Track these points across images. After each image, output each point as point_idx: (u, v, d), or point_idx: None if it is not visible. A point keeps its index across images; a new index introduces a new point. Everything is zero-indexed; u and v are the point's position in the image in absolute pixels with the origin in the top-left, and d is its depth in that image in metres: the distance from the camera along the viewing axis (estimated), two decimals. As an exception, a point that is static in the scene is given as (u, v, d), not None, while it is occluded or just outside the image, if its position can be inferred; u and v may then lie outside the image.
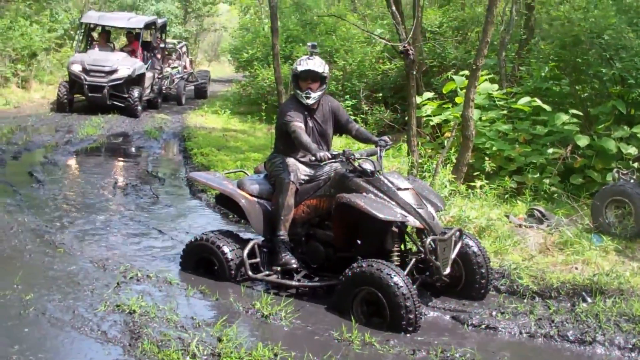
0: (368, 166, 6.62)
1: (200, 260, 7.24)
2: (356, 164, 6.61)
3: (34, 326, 5.55)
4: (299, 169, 7.07)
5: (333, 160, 6.70)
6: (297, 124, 6.87)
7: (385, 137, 7.13)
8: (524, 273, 7.34)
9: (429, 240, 6.33)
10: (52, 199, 10.35)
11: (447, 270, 6.53)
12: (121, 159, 15.01)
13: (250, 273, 6.88)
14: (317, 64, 7.03)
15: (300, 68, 7.01)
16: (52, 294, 6.19)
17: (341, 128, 7.44)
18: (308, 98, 7.05)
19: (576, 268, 7.58)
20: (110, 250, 8.01)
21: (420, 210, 6.44)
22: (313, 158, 6.67)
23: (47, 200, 10.29)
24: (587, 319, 6.22)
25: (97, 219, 9.44)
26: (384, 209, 6.24)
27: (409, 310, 5.88)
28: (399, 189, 6.50)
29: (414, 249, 6.88)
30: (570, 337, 6.04)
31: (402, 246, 6.81)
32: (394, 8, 11.26)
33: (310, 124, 7.12)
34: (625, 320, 6.20)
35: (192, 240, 7.36)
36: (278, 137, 7.31)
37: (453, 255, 6.64)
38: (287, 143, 7.09)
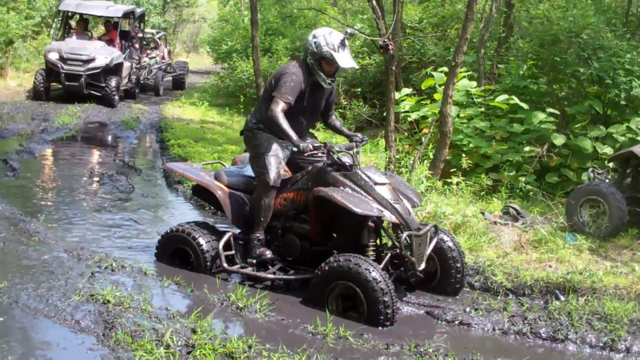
0: (347, 160, 6.61)
1: (175, 251, 7.21)
2: (335, 157, 6.60)
3: (7, 315, 5.50)
4: (281, 164, 6.92)
5: (314, 152, 6.60)
6: (283, 104, 6.60)
7: (360, 135, 7.07)
8: (498, 270, 7.39)
9: (404, 235, 6.33)
10: (27, 188, 10.28)
11: (422, 266, 6.54)
12: (97, 148, 14.91)
13: (225, 265, 6.86)
14: (351, 58, 6.81)
15: (336, 57, 6.65)
16: (26, 282, 6.13)
17: (325, 111, 7.32)
18: (330, 84, 6.89)
19: (550, 266, 7.63)
20: (85, 239, 7.98)
21: (396, 205, 6.44)
22: (295, 149, 6.57)
23: (21, 188, 10.21)
24: (560, 317, 6.28)
25: (72, 208, 9.40)
26: (360, 204, 6.24)
27: (387, 305, 5.89)
28: (376, 183, 6.49)
29: (389, 243, 6.90)
30: (543, 335, 6.09)
31: (378, 241, 6.82)
32: (374, 2, 11.28)
33: (309, 100, 6.88)
34: (598, 318, 6.26)
35: (168, 231, 7.32)
36: (266, 100, 6.90)
37: (428, 251, 6.65)
38: None
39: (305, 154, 6.59)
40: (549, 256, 7.88)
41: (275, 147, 6.87)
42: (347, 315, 6.12)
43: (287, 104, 6.60)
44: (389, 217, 6.40)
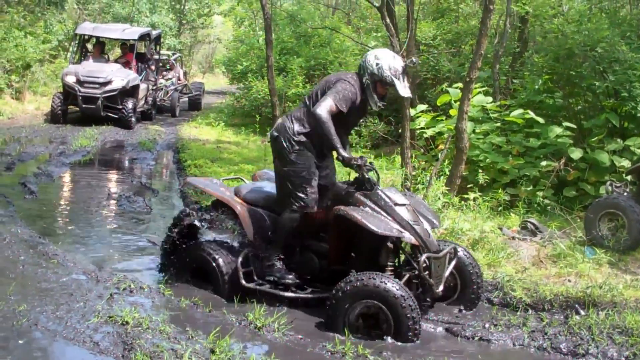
0: (373, 178, 6.59)
1: (194, 270, 7.19)
2: (365, 173, 6.47)
3: (27, 337, 5.52)
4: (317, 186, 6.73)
5: (356, 163, 6.36)
6: (335, 109, 6.34)
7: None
8: (517, 285, 7.35)
9: (423, 257, 6.28)
10: (46, 210, 10.33)
11: (441, 288, 6.49)
12: (115, 170, 14.99)
13: (243, 282, 6.83)
14: (409, 87, 6.72)
15: (398, 85, 6.55)
16: (45, 305, 6.15)
17: None
18: (379, 107, 6.77)
19: (569, 280, 7.59)
20: (103, 261, 7.99)
21: (416, 227, 6.37)
22: (340, 158, 6.36)
23: (40, 211, 10.26)
24: (580, 332, 6.22)
25: (91, 230, 9.43)
26: (380, 224, 6.19)
27: (415, 320, 5.88)
28: (396, 204, 6.42)
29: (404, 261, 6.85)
30: (563, 350, 6.04)
31: (396, 261, 6.77)
32: (388, 20, 11.33)
33: (355, 115, 6.76)
34: (618, 332, 6.20)
35: (187, 249, 7.32)
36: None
37: (447, 273, 6.60)
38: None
39: (352, 162, 6.36)
40: (568, 271, 7.84)
41: (315, 169, 6.69)
42: (369, 333, 6.07)
43: (339, 111, 6.40)
44: (408, 238, 6.34)
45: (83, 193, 11.95)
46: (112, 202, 11.25)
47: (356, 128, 17.34)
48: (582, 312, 6.77)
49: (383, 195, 6.46)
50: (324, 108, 6.32)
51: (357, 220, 6.14)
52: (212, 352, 5.39)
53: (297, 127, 6.68)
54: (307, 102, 6.75)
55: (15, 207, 10.14)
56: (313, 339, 5.99)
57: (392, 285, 5.89)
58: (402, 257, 6.86)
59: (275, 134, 6.83)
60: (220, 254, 7.02)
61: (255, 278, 6.95)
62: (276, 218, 6.96)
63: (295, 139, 6.64)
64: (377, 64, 6.53)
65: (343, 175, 7.49)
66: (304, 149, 6.62)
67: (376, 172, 6.71)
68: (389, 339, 5.95)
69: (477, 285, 6.91)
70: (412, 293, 6.12)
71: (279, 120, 6.99)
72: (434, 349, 6.00)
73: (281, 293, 6.77)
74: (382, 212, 6.37)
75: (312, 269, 6.93)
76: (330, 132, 6.28)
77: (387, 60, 6.54)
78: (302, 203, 6.64)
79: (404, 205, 6.47)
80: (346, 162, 6.38)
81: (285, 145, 6.69)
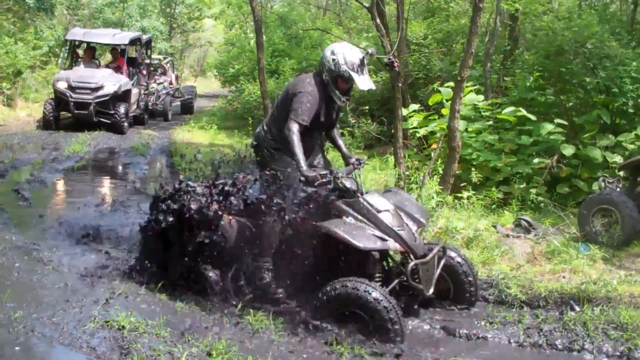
0: (352, 186, 6.51)
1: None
2: (341, 184, 6.42)
3: (24, 344, 5.51)
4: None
5: (321, 181, 6.28)
6: (299, 126, 6.32)
7: (355, 157, 6.90)
8: (512, 283, 7.36)
9: (410, 265, 6.23)
10: (40, 217, 10.30)
11: (431, 290, 6.43)
12: (108, 175, 14.96)
13: (233, 297, 6.77)
14: (369, 79, 6.62)
15: (355, 79, 6.46)
16: (41, 311, 6.14)
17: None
18: (344, 102, 6.73)
19: (564, 277, 7.61)
20: (99, 266, 7.96)
21: (401, 233, 6.30)
22: (302, 178, 6.26)
23: (34, 217, 10.24)
24: (575, 328, 6.26)
25: (85, 235, 9.40)
26: (363, 237, 6.08)
27: (393, 322, 5.82)
28: (379, 211, 6.34)
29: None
30: (559, 346, 6.08)
31: (385, 263, 6.71)
32: (378, 21, 11.35)
33: (324, 114, 6.68)
34: (613, 328, 6.24)
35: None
36: (281, 116, 6.62)
37: (437, 273, 6.54)
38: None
39: (315, 184, 6.28)
40: (562, 267, 7.87)
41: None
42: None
43: (304, 126, 6.36)
44: (393, 246, 6.27)
45: (77, 199, 11.91)
46: (106, 207, 11.21)
47: (348, 128, 17.38)
48: (577, 308, 6.79)
49: (366, 204, 6.36)
50: (292, 129, 6.29)
51: (339, 236, 6.05)
52: (209, 354, 5.40)
53: (269, 136, 6.74)
54: (274, 114, 6.84)
55: (9, 214, 10.12)
56: (310, 339, 5.99)
57: (365, 289, 5.83)
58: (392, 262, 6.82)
59: (255, 143, 6.91)
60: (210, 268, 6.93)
61: (246, 290, 6.88)
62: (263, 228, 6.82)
63: (272, 145, 6.69)
64: (333, 60, 6.49)
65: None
66: (283, 154, 6.65)
67: (355, 180, 6.58)
68: (372, 341, 5.92)
69: (471, 285, 6.88)
70: (400, 297, 6.10)
71: (257, 129, 7.02)
72: (431, 347, 6.02)
73: (271, 308, 6.64)
74: (365, 221, 6.30)
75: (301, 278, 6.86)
76: (295, 152, 6.23)
77: (343, 54, 6.48)
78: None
79: (387, 210, 6.40)
80: (309, 182, 6.25)
81: (265, 153, 6.77)
